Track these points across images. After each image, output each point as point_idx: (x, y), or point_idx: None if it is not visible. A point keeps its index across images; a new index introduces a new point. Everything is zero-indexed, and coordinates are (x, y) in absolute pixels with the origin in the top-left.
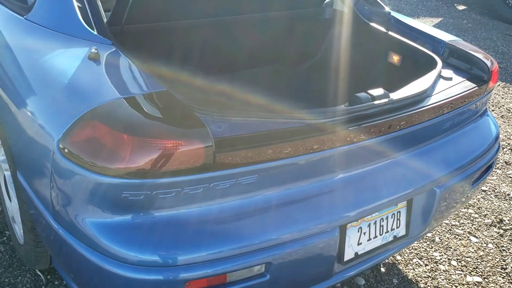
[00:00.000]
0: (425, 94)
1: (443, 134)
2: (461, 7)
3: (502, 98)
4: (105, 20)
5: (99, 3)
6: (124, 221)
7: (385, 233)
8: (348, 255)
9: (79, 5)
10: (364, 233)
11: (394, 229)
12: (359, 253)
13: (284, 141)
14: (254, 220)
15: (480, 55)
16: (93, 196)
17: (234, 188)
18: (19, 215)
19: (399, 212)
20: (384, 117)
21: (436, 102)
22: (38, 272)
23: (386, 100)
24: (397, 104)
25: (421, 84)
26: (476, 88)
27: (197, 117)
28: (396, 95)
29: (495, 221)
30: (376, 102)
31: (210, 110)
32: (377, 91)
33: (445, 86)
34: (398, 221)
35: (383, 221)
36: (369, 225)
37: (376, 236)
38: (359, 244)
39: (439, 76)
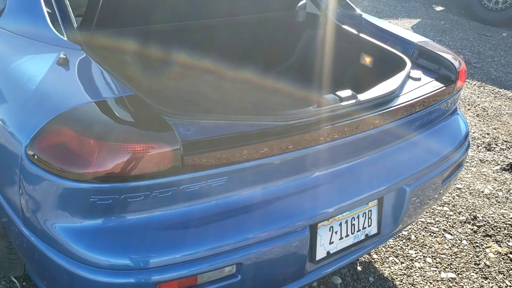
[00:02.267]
0: (393, 95)
1: (412, 133)
2: (439, 8)
3: (478, 97)
4: (75, 25)
5: (69, 9)
6: (94, 226)
7: (357, 231)
8: (320, 254)
9: (49, 10)
10: (336, 232)
11: (365, 227)
12: (331, 252)
13: (252, 143)
14: (224, 222)
15: (448, 55)
16: (61, 201)
17: (204, 191)
18: None
19: (370, 211)
20: (352, 118)
21: (404, 102)
22: (13, 279)
23: (353, 101)
24: (365, 105)
25: (389, 85)
26: (444, 87)
27: (164, 121)
28: (364, 96)
29: (469, 218)
30: (344, 103)
31: (179, 113)
32: (345, 93)
33: (414, 86)
34: (370, 219)
35: (354, 220)
36: (340, 224)
37: (347, 235)
38: (331, 243)
39: (408, 76)
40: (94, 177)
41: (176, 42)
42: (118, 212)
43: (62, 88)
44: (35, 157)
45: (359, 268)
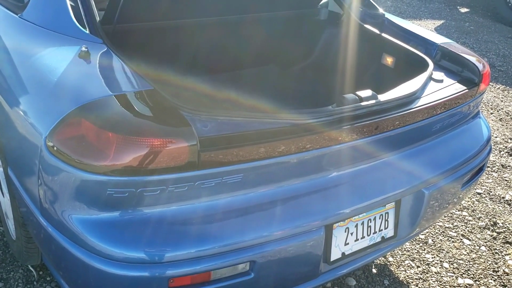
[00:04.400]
0: (414, 96)
1: (433, 136)
2: (463, 10)
3: (502, 101)
4: (98, 19)
5: (92, 2)
6: (110, 218)
7: (373, 233)
8: (335, 255)
9: (72, 4)
10: (351, 234)
11: (382, 230)
12: (346, 253)
13: (270, 141)
14: (239, 219)
15: (472, 57)
16: (79, 193)
17: (220, 187)
18: (11, 211)
19: (387, 213)
20: (371, 118)
21: (425, 104)
22: (31, 268)
23: (373, 101)
24: (385, 106)
25: (410, 86)
26: (466, 90)
27: (182, 116)
28: (384, 97)
29: (488, 224)
30: (363, 103)
31: (197, 109)
32: (365, 92)
33: (435, 88)
34: (386, 222)
35: (370, 222)
36: (356, 226)
37: (363, 237)
38: (346, 244)
39: (430, 78)
40: (111, 170)
41: (196, 38)
42: (134, 205)
43: (83, 81)
44: (54, 148)
45: (374, 270)
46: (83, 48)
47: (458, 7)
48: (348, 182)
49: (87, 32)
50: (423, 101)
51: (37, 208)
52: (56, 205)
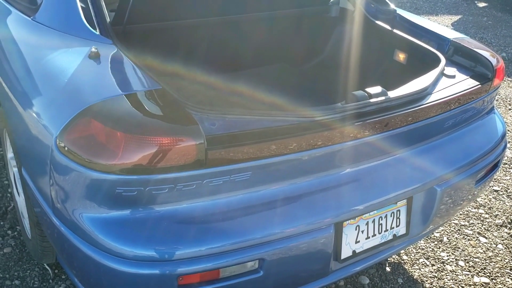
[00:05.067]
0: (425, 92)
1: (445, 132)
2: (481, 4)
3: None
4: (108, 20)
5: (103, 4)
6: (120, 216)
7: (384, 231)
8: (345, 253)
9: (83, 5)
10: (362, 231)
11: (393, 227)
12: (357, 251)
13: (278, 139)
14: (248, 217)
15: (485, 52)
16: (89, 192)
17: (228, 185)
18: (26, 211)
19: (399, 210)
20: (381, 115)
21: (436, 100)
22: (46, 266)
23: (383, 98)
24: (395, 102)
25: (421, 82)
26: (479, 85)
27: (189, 115)
28: (394, 93)
29: (506, 221)
30: (373, 100)
31: (205, 107)
32: (375, 89)
33: (447, 84)
34: (398, 219)
35: (382, 220)
36: (367, 223)
37: (374, 235)
38: (357, 242)
39: (442, 73)
40: (120, 169)
41: (206, 38)
42: (143, 204)
43: (92, 81)
44: (65, 148)
45: (388, 269)
46: (93, 49)
47: (476, 2)
48: (358, 180)
49: (97, 33)
50: (434, 97)
51: (49, 208)
52: (67, 204)
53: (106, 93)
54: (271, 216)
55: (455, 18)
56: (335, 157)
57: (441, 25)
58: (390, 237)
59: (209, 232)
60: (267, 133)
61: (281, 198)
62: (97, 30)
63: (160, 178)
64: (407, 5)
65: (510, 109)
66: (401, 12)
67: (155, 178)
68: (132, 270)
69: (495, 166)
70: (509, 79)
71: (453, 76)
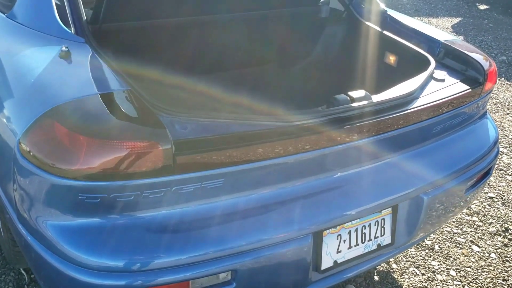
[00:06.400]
0: (411, 96)
1: (434, 138)
2: (482, 7)
3: None
4: (84, 18)
5: (79, 1)
6: (84, 225)
7: (368, 241)
8: (326, 263)
9: (58, 3)
10: (344, 241)
11: (378, 237)
12: (339, 261)
13: (253, 144)
14: (220, 226)
15: (477, 55)
16: (52, 198)
17: (199, 192)
18: None
19: (383, 219)
20: (363, 120)
21: (423, 105)
22: (22, 271)
23: (366, 102)
24: (379, 107)
25: (408, 86)
26: (470, 90)
27: (156, 118)
28: (378, 97)
29: (500, 229)
30: (355, 104)
31: (176, 110)
32: (357, 93)
33: (436, 87)
34: (383, 228)
35: (365, 229)
36: (349, 233)
37: (357, 244)
38: (338, 252)
39: (431, 77)
40: (82, 175)
41: (187, 37)
42: (107, 211)
43: (59, 81)
44: (28, 151)
45: (376, 277)
46: (64, 48)
47: (476, 4)
48: (340, 187)
49: (72, 32)
50: (422, 101)
51: (14, 213)
52: (30, 210)
53: (72, 94)
54: (245, 225)
55: (456, 20)
56: (315, 163)
57: (433, 27)
58: (374, 247)
59: (178, 242)
60: (241, 137)
61: (256, 206)
62: (72, 28)
63: (125, 185)
64: (407, 7)
65: (508, 113)
66: (392, 13)
67: (120, 185)
68: (96, 281)
69: (487, 173)
70: (508, 82)
71: (443, 80)
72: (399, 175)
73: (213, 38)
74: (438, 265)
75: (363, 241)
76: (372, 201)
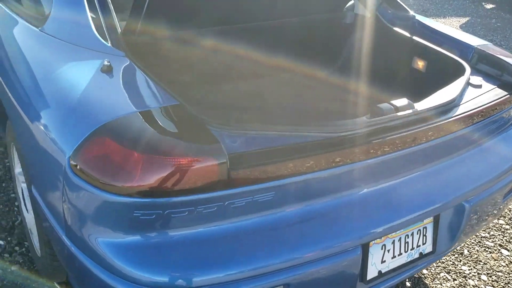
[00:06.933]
0: (452, 104)
1: (472, 145)
2: (489, 6)
3: None
4: (119, 30)
5: (113, 14)
6: (137, 241)
7: (411, 250)
8: (371, 274)
9: (93, 16)
10: (388, 251)
11: (420, 245)
12: (383, 271)
13: (302, 156)
14: (272, 239)
15: (511, 60)
16: (104, 215)
17: (250, 206)
18: (35, 228)
19: (425, 228)
20: (408, 129)
21: (464, 112)
22: (56, 285)
23: (410, 111)
24: (422, 115)
25: (448, 93)
26: (508, 95)
27: (210, 132)
28: (421, 105)
29: None
30: (400, 113)
31: (225, 123)
32: (401, 101)
33: (474, 94)
34: (424, 237)
35: (408, 238)
36: (393, 242)
37: (400, 254)
38: (382, 262)
39: (468, 83)
40: (137, 191)
41: (222, 47)
42: (161, 228)
43: (106, 97)
44: (78, 168)
45: (408, 284)
46: (106, 62)
47: (483, 3)
48: (385, 197)
49: (109, 44)
50: (463, 109)
51: (61, 227)
52: (81, 226)
53: (120, 110)
54: (296, 239)
55: (463, 20)
56: (362, 174)
57: (463, 32)
58: (417, 256)
59: (230, 257)
60: (292, 150)
61: (305, 219)
62: (109, 41)
63: (180, 201)
64: (413, 8)
65: None
66: (420, 18)
67: (175, 201)
68: None
69: None
70: None
71: (480, 86)
72: (440, 183)
73: (245, 47)
74: (469, 270)
75: (406, 250)
76: (415, 211)
